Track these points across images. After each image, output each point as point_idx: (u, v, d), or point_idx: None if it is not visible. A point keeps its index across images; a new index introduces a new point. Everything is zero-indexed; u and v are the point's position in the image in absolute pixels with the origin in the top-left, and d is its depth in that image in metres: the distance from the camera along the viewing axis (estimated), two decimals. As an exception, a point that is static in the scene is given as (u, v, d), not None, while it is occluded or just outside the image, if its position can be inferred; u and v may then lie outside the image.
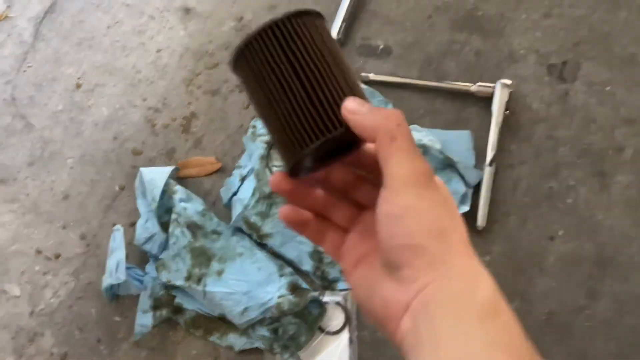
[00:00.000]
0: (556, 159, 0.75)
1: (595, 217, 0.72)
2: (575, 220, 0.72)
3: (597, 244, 0.71)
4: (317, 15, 0.35)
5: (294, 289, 0.70)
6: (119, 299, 0.77)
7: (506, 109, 0.75)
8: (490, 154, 0.74)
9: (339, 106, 0.33)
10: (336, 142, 0.35)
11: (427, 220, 0.32)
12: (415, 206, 0.32)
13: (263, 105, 0.35)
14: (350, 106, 0.33)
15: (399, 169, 0.32)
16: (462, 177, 0.73)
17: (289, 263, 0.75)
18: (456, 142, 0.76)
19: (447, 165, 0.74)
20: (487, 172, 0.73)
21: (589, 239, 0.71)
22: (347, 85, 0.34)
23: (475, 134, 0.77)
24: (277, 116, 0.34)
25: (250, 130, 0.80)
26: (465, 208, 0.71)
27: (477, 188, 0.74)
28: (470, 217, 0.73)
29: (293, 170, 0.36)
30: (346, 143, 0.36)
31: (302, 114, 0.33)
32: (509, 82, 0.76)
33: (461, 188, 0.72)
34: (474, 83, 0.78)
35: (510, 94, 0.76)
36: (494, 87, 0.76)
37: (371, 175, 0.39)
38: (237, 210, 0.75)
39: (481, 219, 0.72)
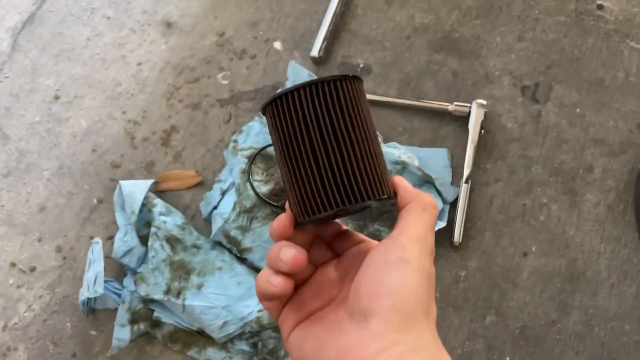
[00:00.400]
0: (529, 177, 0.78)
1: (566, 233, 0.75)
2: (548, 237, 0.75)
3: (568, 260, 0.73)
4: (357, 81, 0.36)
5: (273, 303, 0.70)
6: (95, 313, 0.76)
7: (481, 129, 0.78)
8: (466, 172, 0.76)
9: (377, 178, 0.34)
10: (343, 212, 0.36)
11: (416, 279, 0.32)
12: (412, 262, 0.32)
13: (289, 158, 0.35)
14: (399, 183, 0.36)
15: (414, 229, 0.34)
16: (440, 194, 0.75)
17: (269, 277, 0.75)
18: (433, 160, 0.78)
19: (424, 181, 0.75)
20: (463, 189, 0.75)
21: (560, 255, 0.74)
22: (374, 154, 0.35)
23: (452, 151, 0.80)
24: (297, 176, 0.35)
25: (232, 144, 0.80)
26: (442, 224, 0.73)
27: (453, 205, 0.76)
28: (446, 233, 0.74)
29: (300, 223, 0.36)
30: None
31: (319, 180, 0.34)
32: (484, 102, 0.79)
33: (438, 204, 0.74)
34: (451, 102, 0.80)
35: (486, 113, 0.79)
36: (470, 107, 0.79)
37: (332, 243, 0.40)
38: (217, 224, 0.76)
39: (457, 235, 0.73)
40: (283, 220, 0.36)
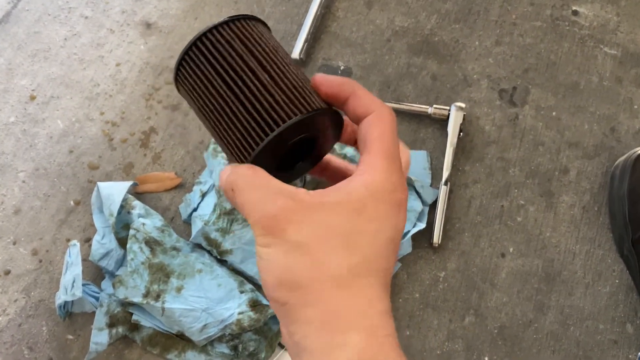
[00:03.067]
0: (507, 179, 0.79)
1: (542, 234, 0.76)
2: (525, 238, 0.76)
3: (544, 260, 0.75)
4: (243, 19, 0.33)
5: (254, 305, 0.70)
6: (72, 317, 0.75)
7: (460, 131, 0.79)
8: (445, 174, 0.77)
9: (304, 95, 0.31)
10: (284, 145, 0.32)
11: (275, 271, 0.29)
12: (263, 256, 0.29)
13: (208, 121, 0.33)
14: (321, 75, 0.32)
15: (251, 214, 0.30)
16: (419, 196, 0.75)
17: (249, 279, 0.75)
18: (413, 162, 0.79)
19: (404, 183, 0.76)
20: (443, 191, 0.76)
21: (537, 256, 0.75)
22: (295, 76, 0.32)
23: (431, 154, 0.80)
24: (221, 131, 0.32)
25: (212, 146, 0.80)
26: (422, 225, 0.74)
27: (432, 206, 0.77)
28: (426, 235, 0.75)
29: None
30: (299, 144, 0.33)
31: (240, 123, 0.31)
32: (463, 105, 0.80)
33: (418, 206, 0.75)
34: (430, 105, 0.81)
35: (464, 116, 0.80)
36: (449, 110, 0.80)
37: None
38: (197, 226, 0.75)
39: (437, 236, 0.74)
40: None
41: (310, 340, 0.28)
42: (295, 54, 0.86)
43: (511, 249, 0.75)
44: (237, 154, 0.32)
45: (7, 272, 0.77)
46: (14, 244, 0.79)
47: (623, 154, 0.77)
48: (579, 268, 0.74)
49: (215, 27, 0.32)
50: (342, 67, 0.87)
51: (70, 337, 0.74)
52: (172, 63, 0.89)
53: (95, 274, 0.76)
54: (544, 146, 0.80)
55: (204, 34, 0.32)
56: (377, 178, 0.30)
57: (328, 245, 0.28)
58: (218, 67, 0.32)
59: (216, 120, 0.32)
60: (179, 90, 0.35)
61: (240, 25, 0.33)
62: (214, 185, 0.77)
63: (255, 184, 0.30)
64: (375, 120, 0.32)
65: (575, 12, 0.88)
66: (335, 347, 0.28)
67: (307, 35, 0.87)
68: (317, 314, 0.28)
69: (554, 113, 0.82)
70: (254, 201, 0.29)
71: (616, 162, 0.77)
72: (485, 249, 0.76)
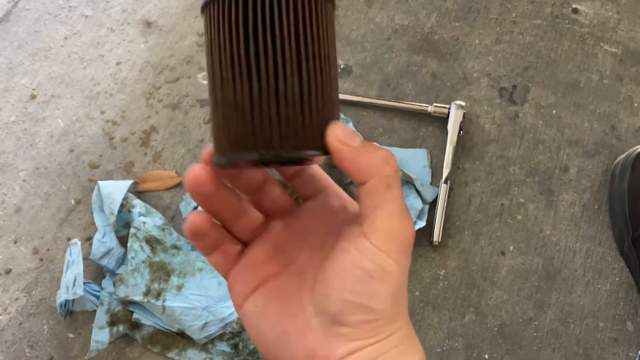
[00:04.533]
0: (507, 177, 0.79)
1: (543, 232, 0.76)
2: (525, 236, 0.76)
3: (544, 258, 0.75)
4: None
5: (254, 303, 0.70)
6: (73, 315, 0.75)
7: (460, 129, 0.79)
8: (445, 172, 0.77)
9: (321, 124, 0.27)
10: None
11: (396, 287, 0.29)
12: (393, 270, 0.29)
13: (224, 68, 0.27)
14: (341, 135, 0.28)
15: (390, 225, 0.29)
16: (419, 194, 0.75)
17: (250, 278, 0.75)
18: (413, 160, 0.79)
19: (405, 182, 0.76)
20: (443, 189, 0.76)
21: (537, 254, 0.75)
22: (332, 94, 0.29)
23: (431, 152, 0.80)
24: (240, 94, 0.27)
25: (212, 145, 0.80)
26: (422, 224, 0.74)
27: (432, 204, 0.77)
28: (426, 233, 0.75)
29: (223, 164, 0.29)
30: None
31: (275, 110, 0.26)
32: (463, 103, 0.80)
33: (418, 204, 0.75)
34: (430, 104, 0.81)
35: (464, 114, 0.80)
36: (449, 108, 0.80)
37: (288, 183, 0.34)
38: (197, 224, 0.75)
39: (437, 235, 0.74)
40: (202, 169, 0.30)
41: (385, 351, 0.29)
42: (295, 52, 0.86)
43: (511, 247, 0.75)
44: (255, 137, 0.27)
45: (8, 271, 0.78)
46: (15, 242, 0.79)
47: (623, 152, 0.77)
48: (579, 266, 0.74)
49: None
50: (342, 66, 0.87)
51: (71, 335, 0.74)
52: (172, 62, 0.90)
53: (96, 272, 0.76)
54: (544, 144, 0.80)
55: None
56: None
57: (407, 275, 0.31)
58: (277, 20, 0.26)
59: (233, 82, 0.27)
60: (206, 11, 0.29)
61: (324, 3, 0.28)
62: (214, 184, 0.77)
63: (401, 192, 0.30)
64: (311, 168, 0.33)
65: (575, 10, 0.88)
66: (411, 356, 0.30)
67: (307, 33, 0.87)
68: (398, 329, 0.30)
69: (554, 111, 0.82)
70: (404, 205, 0.29)
71: (616, 160, 0.77)
72: (485, 247, 0.76)
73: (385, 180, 0.28)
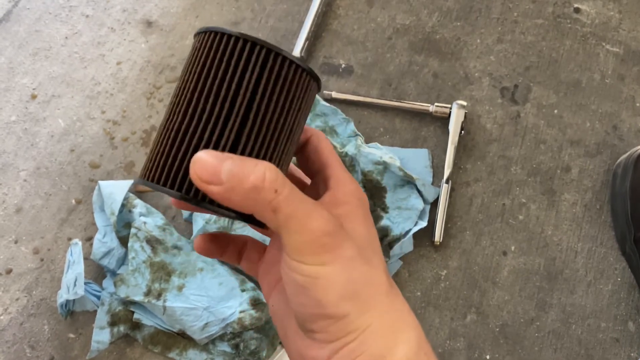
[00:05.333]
0: (508, 177, 0.79)
1: (544, 232, 0.76)
2: (526, 236, 0.76)
3: (546, 259, 0.75)
4: (313, 81, 0.30)
5: (255, 303, 0.70)
6: (74, 316, 0.75)
7: (462, 129, 0.78)
8: (447, 172, 0.77)
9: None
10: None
11: (337, 287, 0.28)
12: (320, 275, 0.28)
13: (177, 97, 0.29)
14: (200, 172, 0.25)
15: (294, 240, 0.27)
16: (421, 194, 0.75)
17: (250, 278, 0.75)
18: (414, 160, 0.79)
19: (406, 182, 0.76)
20: (444, 189, 0.76)
21: (538, 254, 0.75)
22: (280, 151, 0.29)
23: (433, 152, 0.80)
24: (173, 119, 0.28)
25: (213, 144, 0.80)
26: (423, 224, 0.74)
27: (434, 204, 0.76)
28: (427, 233, 0.75)
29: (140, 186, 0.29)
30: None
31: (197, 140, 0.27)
32: (464, 103, 0.80)
33: (420, 204, 0.74)
34: (432, 103, 0.81)
35: (466, 114, 0.79)
36: (450, 108, 0.80)
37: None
38: (198, 224, 0.75)
39: (438, 235, 0.74)
40: (199, 246, 0.34)
41: (368, 345, 0.29)
42: (297, 52, 0.86)
43: (513, 248, 0.75)
44: (160, 157, 0.28)
45: (9, 271, 0.77)
46: (16, 242, 0.79)
47: (625, 152, 0.77)
48: (581, 266, 0.74)
49: (292, 63, 0.28)
50: (343, 66, 0.87)
51: (71, 335, 0.74)
52: (173, 61, 0.89)
53: (96, 272, 0.76)
54: (545, 144, 0.80)
55: (258, 43, 0.28)
56: (356, 186, 0.32)
57: (370, 252, 0.30)
58: (234, 71, 0.27)
59: (181, 105, 0.28)
60: (194, 42, 0.30)
61: (293, 70, 0.29)
62: (215, 184, 0.77)
63: (301, 196, 0.28)
64: (317, 141, 0.33)
65: (577, 10, 0.88)
66: (396, 345, 0.29)
67: (308, 33, 0.87)
68: (375, 318, 0.29)
69: (555, 111, 0.82)
70: (304, 215, 0.27)
71: (618, 160, 0.77)
72: (487, 247, 0.75)
73: (268, 207, 0.26)
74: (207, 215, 0.74)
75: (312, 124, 0.80)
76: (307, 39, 0.87)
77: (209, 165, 0.25)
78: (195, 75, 0.28)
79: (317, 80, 0.30)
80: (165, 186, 0.27)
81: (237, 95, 0.27)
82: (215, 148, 0.27)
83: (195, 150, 0.27)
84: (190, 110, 0.28)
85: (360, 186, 0.32)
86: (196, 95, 0.28)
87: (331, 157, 0.32)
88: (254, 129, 0.27)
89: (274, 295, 0.33)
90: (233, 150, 0.27)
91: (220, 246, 0.35)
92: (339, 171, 0.32)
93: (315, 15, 0.88)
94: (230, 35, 0.28)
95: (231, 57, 0.28)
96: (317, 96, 0.80)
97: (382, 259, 0.31)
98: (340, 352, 0.29)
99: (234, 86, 0.27)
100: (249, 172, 0.25)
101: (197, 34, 0.30)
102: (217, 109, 0.27)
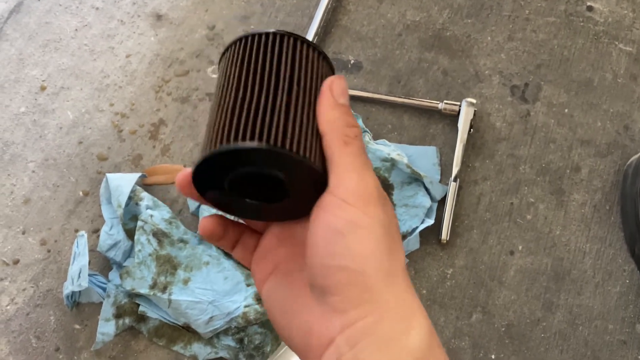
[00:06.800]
0: (517, 176, 0.78)
1: (552, 232, 0.75)
2: (534, 236, 0.75)
3: (553, 259, 0.74)
4: (314, 48, 0.33)
5: (260, 298, 0.70)
6: (80, 307, 0.75)
7: (471, 127, 0.78)
8: (455, 170, 0.76)
9: (307, 142, 0.29)
10: (258, 174, 0.30)
11: (371, 242, 0.28)
12: (362, 223, 0.28)
13: (219, 94, 0.32)
14: (335, 85, 0.30)
15: (349, 178, 0.29)
16: (428, 192, 0.75)
17: (256, 273, 0.75)
18: (422, 157, 0.78)
19: (413, 179, 0.75)
20: (452, 187, 0.75)
21: (546, 254, 0.74)
22: (313, 127, 0.31)
23: (441, 150, 0.80)
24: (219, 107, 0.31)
25: (220, 139, 0.80)
26: (430, 222, 0.73)
27: (441, 202, 0.76)
28: (434, 231, 0.75)
29: (200, 175, 0.31)
30: (274, 187, 0.30)
31: (235, 111, 0.29)
32: (474, 101, 0.79)
33: (427, 202, 0.74)
34: (441, 101, 0.81)
35: (475, 112, 0.79)
36: (459, 106, 0.79)
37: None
38: (204, 218, 0.75)
39: (445, 233, 0.74)
40: (204, 225, 0.34)
41: (383, 324, 0.28)
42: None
43: (520, 247, 0.75)
44: (216, 135, 0.29)
45: (16, 262, 0.78)
46: (23, 233, 0.79)
47: (636, 152, 0.76)
48: (589, 267, 0.73)
49: (290, 35, 0.32)
50: (352, 61, 0.87)
51: (77, 326, 0.74)
52: (182, 55, 0.89)
53: (103, 264, 0.76)
54: (555, 143, 0.80)
55: (275, 34, 0.32)
56: (357, 184, 0.31)
57: (394, 232, 0.30)
58: (263, 62, 0.31)
59: (223, 98, 0.31)
60: (219, 61, 0.35)
61: (306, 48, 0.32)
62: (222, 178, 0.77)
63: (364, 149, 0.30)
64: (323, 132, 0.31)
65: (590, 8, 0.87)
66: (410, 329, 0.28)
67: (318, 28, 0.87)
68: (393, 296, 0.29)
69: (566, 110, 0.81)
70: (365, 163, 0.29)
71: (629, 161, 0.76)
72: (494, 246, 0.75)
73: (342, 137, 0.29)
74: (214, 210, 0.74)
75: (320, 120, 0.80)
76: (316, 34, 0.86)
77: (344, 87, 0.30)
78: (239, 64, 0.31)
79: (328, 61, 0.34)
80: (245, 140, 0.28)
81: (279, 71, 0.31)
82: (273, 109, 0.29)
83: (257, 115, 0.29)
84: (242, 87, 0.30)
85: (371, 182, 0.30)
86: (244, 76, 0.31)
87: (335, 152, 0.30)
88: (299, 93, 0.30)
89: (271, 281, 0.33)
90: (287, 111, 0.30)
91: (222, 231, 0.34)
92: (341, 169, 0.30)
93: (325, 11, 0.88)
94: (261, 33, 0.32)
95: (266, 47, 0.32)
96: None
97: (400, 240, 0.31)
98: (354, 326, 0.28)
99: (275, 64, 0.31)
100: (351, 116, 0.30)
101: (233, 43, 0.33)
102: (265, 81, 0.30)
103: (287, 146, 0.28)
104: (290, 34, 0.32)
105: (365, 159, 0.30)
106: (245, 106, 0.29)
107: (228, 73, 0.32)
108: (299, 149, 0.29)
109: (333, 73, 0.34)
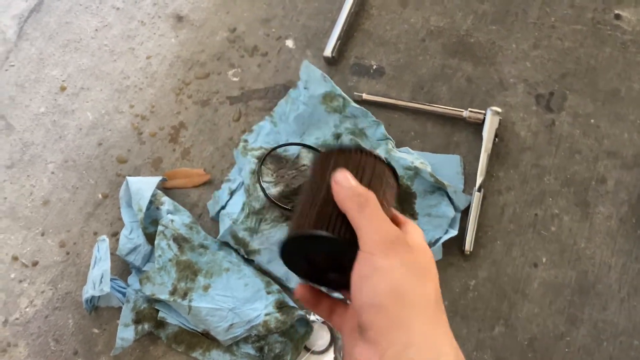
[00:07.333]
0: (541, 187, 0.77)
1: (577, 245, 0.74)
2: (558, 248, 0.74)
3: (578, 272, 0.73)
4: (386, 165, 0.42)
5: (281, 306, 0.70)
6: (98, 311, 0.74)
7: (496, 137, 0.77)
8: (479, 180, 0.75)
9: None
10: (326, 250, 0.39)
11: (389, 281, 0.34)
12: (382, 267, 0.35)
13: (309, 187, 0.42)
14: (337, 176, 0.38)
15: (370, 235, 0.36)
16: (452, 201, 0.74)
17: (276, 280, 0.74)
18: (446, 166, 0.77)
19: (436, 188, 0.74)
20: (476, 197, 0.74)
21: (570, 267, 0.73)
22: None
23: (465, 158, 0.79)
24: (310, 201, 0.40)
25: (242, 144, 0.79)
26: (454, 232, 0.72)
27: (464, 212, 0.75)
28: (457, 242, 0.74)
29: (289, 246, 0.39)
30: (335, 260, 0.39)
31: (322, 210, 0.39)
32: (499, 109, 0.78)
33: (450, 212, 0.73)
34: (464, 108, 0.79)
35: (500, 121, 0.78)
36: (484, 114, 0.78)
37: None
38: (225, 224, 0.75)
39: (468, 244, 0.73)
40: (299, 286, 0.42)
41: (413, 351, 0.33)
42: (328, 52, 0.85)
43: (544, 259, 0.74)
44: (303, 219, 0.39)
45: (35, 263, 0.78)
46: (42, 235, 0.79)
47: (664, 165, 0.75)
48: (614, 281, 0.72)
49: (373, 155, 0.42)
50: (374, 67, 0.86)
51: (96, 330, 0.74)
52: (203, 57, 0.89)
53: (122, 268, 0.76)
54: (580, 154, 0.78)
55: (363, 150, 0.41)
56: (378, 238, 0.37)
57: (420, 267, 0.36)
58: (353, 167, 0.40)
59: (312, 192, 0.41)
60: (315, 159, 0.44)
61: (380, 163, 0.41)
62: (242, 184, 0.76)
63: (381, 209, 0.37)
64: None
65: (617, 16, 0.86)
66: (439, 357, 0.33)
67: (340, 32, 0.86)
68: (419, 323, 0.34)
69: (592, 120, 0.80)
70: (381, 219, 0.37)
71: (656, 174, 0.75)
72: (518, 258, 0.74)
73: (355, 203, 0.37)
74: (235, 216, 0.74)
75: (342, 126, 0.79)
76: (338, 38, 0.85)
77: (344, 175, 0.38)
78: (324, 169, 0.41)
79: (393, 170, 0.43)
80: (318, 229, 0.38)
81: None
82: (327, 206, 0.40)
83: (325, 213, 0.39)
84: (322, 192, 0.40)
85: (390, 231, 0.37)
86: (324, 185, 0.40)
87: (355, 218, 0.37)
88: (370, 181, 0.40)
89: (350, 334, 0.39)
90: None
91: (316, 299, 0.42)
92: (363, 230, 0.37)
93: (348, 15, 0.87)
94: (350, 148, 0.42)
95: (355, 158, 0.41)
96: (348, 97, 0.79)
97: (435, 279, 0.37)
98: (386, 354, 0.33)
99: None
100: (357, 186, 0.38)
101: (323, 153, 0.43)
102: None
103: (332, 232, 0.38)
104: (363, 150, 0.41)
105: (382, 214, 0.37)
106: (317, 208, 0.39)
107: (318, 174, 0.41)
108: (339, 233, 0.38)
109: (395, 175, 0.43)
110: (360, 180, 0.39)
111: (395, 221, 0.39)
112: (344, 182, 0.38)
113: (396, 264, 0.35)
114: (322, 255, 0.39)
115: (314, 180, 0.41)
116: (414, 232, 0.38)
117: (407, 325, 0.33)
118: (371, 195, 0.37)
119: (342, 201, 0.37)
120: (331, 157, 0.41)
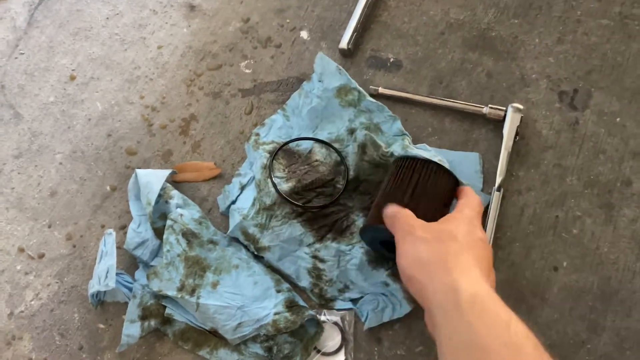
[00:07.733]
0: (563, 188, 0.74)
1: (600, 249, 0.71)
2: (580, 252, 0.71)
3: (600, 277, 0.70)
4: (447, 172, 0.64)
5: (290, 306, 0.68)
6: (104, 306, 0.73)
7: (516, 135, 0.74)
8: (498, 179, 0.72)
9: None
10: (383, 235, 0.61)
11: (409, 257, 0.55)
12: (407, 249, 0.56)
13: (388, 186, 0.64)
14: (386, 211, 0.60)
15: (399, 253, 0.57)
16: (470, 201, 0.71)
17: (286, 278, 0.72)
18: (464, 164, 0.75)
19: (454, 187, 0.72)
20: (495, 197, 0.72)
21: (592, 272, 0.70)
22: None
23: (484, 156, 0.76)
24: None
25: (253, 137, 0.77)
26: (471, 233, 0.70)
27: (483, 213, 0.72)
28: (475, 242, 0.71)
29: (367, 230, 0.65)
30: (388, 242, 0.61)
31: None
32: (521, 106, 0.75)
33: (468, 212, 0.70)
34: (484, 104, 0.77)
35: (522, 118, 0.75)
36: (505, 111, 0.75)
37: None
38: (234, 219, 0.72)
39: (486, 245, 0.70)
40: None
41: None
42: (344, 43, 0.82)
43: (565, 263, 0.71)
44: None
45: (42, 256, 0.76)
46: (49, 227, 0.78)
47: (693, 167, 0.71)
48: (639, 288, 0.69)
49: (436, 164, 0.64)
50: (391, 60, 0.83)
51: (101, 326, 0.72)
52: (215, 48, 0.86)
53: (129, 262, 0.74)
54: (605, 154, 0.75)
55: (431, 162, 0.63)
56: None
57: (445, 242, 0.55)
58: (415, 178, 0.62)
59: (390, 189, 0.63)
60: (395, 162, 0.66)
61: (441, 173, 0.63)
62: (253, 178, 0.74)
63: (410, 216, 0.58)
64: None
65: (646, 11, 0.82)
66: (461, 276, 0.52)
67: (357, 24, 0.83)
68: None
69: (618, 119, 0.77)
70: (406, 221, 0.58)
71: (685, 176, 0.71)
72: (537, 261, 0.71)
73: (401, 232, 0.57)
74: (245, 211, 0.72)
75: (356, 120, 0.76)
76: (355, 30, 0.83)
77: (392, 209, 0.60)
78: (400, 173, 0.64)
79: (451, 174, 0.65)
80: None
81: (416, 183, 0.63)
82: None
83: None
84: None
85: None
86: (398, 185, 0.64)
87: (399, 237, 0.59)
88: (420, 196, 0.62)
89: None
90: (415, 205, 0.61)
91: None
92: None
93: (365, 6, 0.84)
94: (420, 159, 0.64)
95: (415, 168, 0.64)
96: (363, 91, 0.77)
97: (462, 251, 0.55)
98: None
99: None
100: (398, 210, 0.60)
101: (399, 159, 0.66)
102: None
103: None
104: (429, 162, 0.63)
105: (423, 228, 0.57)
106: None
107: (395, 178, 0.64)
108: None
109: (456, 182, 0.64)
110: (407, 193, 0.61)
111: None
112: (391, 215, 0.59)
113: (413, 245, 0.55)
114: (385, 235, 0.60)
115: (389, 184, 0.63)
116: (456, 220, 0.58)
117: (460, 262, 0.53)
118: (408, 218, 0.58)
119: (392, 230, 0.59)
120: (406, 166, 0.63)
